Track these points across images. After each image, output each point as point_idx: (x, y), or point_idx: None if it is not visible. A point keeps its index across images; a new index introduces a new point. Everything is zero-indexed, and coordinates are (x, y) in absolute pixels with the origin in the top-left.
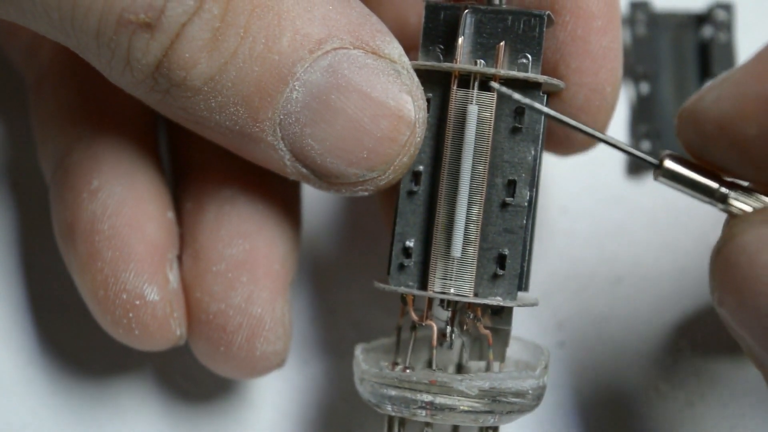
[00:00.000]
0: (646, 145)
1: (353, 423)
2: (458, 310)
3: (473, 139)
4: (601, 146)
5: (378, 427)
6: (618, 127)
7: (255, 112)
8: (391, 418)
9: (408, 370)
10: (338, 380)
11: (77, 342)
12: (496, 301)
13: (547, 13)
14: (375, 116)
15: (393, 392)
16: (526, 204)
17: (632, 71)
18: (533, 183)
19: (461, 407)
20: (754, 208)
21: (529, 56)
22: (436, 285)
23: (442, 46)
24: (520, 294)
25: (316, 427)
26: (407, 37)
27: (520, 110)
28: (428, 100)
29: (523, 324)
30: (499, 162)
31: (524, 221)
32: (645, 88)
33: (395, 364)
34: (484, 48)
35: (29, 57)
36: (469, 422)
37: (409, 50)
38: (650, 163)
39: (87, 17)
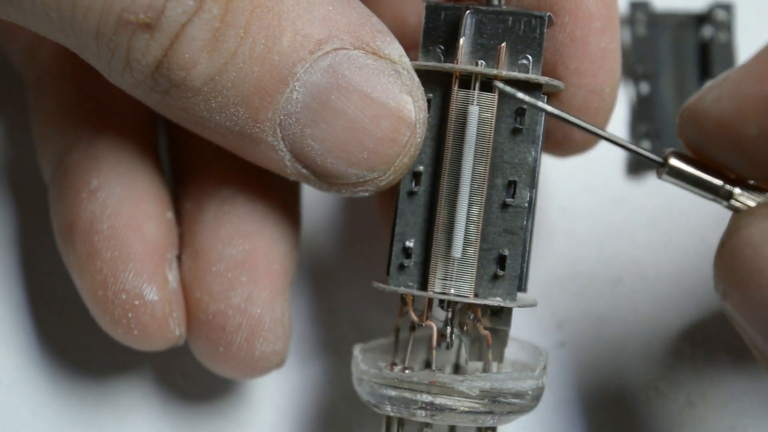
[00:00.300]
0: (646, 144)
1: (353, 423)
2: (457, 310)
3: (474, 140)
4: (601, 146)
5: (377, 427)
6: (618, 127)
7: (255, 113)
8: (389, 419)
9: (407, 371)
10: (338, 380)
11: (77, 342)
12: (496, 301)
13: (548, 14)
14: (375, 117)
15: (392, 392)
16: (526, 205)
17: (632, 71)
18: (533, 184)
19: (461, 408)
20: (758, 203)
21: (530, 57)
22: (436, 285)
23: (442, 47)
24: (519, 295)
25: (316, 427)
26: (406, 37)
27: (520, 111)
28: (429, 101)
29: (523, 324)
30: (499, 163)
31: (524, 222)
32: (645, 88)
33: (393, 364)
34: (484, 49)
35: (29, 57)
36: (468, 423)
37: (408, 50)
38: (654, 161)
39: (86, 17)
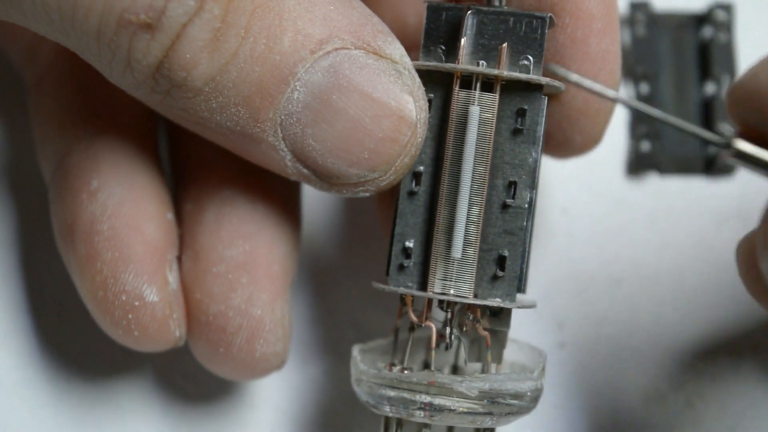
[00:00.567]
0: (645, 145)
1: (353, 423)
2: (457, 311)
3: (474, 141)
4: (601, 147)
5: (376, 428)
6: (618, 127)
7: (256, 113)
8: (388, 419)
9: (406, 371)
10: (338, 380)
11: (77, 342)
12: (496, 302)
13: (549, 15)
14: (376, 117)
15: (392, 393)
16: (526, 206)
17: (632, 71)
18: (533, 185)
19: (460, 408)
20: None
21: (531, 58)
22: (436, 286)
23: (443, 47)
24: (518, 296)
25: (316, 427)
26: (407, 37)
27: (521, 111)
28: (429, 101)
29: (523, 325)
30: (499, 163)
31: (524, 223)
32: (645, 88)
33: (392, 365)
34: (485, 49)
35: (29, 57)
36: (467, 423)
37: (409, 50)
38: (718, 144)
39: (87, 18)
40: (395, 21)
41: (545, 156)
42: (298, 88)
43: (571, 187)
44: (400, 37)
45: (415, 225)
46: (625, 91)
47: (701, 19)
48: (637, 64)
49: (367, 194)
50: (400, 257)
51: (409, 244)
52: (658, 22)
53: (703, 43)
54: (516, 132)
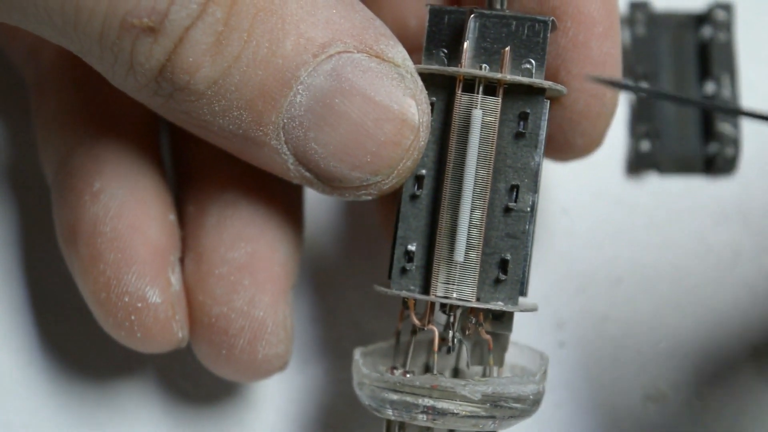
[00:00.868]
0: (645, 144)
1: (353, 423)
2: (459, 314)
3: (477, 144)
4: (601, 147)
5: (378, 429)
6: (618, 126)
7: (258, 116)
8: (390, 422)
9: (408, 375)
10: (339, 381)
11: (78, 342)
12: (499, 306)
13: (551, 18)
14: (378, 120)
15: (394, 396)
16: (528, 209)
17: (632, 71)
18: (536, 188)
19: (463, 412)
20: None
21: (533, 61)
22: (438, 289)
23: (445, 50)
24: (520, 299)
25: (317, 427)
26: (407, 39)
27: (523, 115)
28: (432, 104)
29: (522, 325)
30: (502, 167)
31: (527, 226)
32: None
33: (394, 368)
34: (487, 53)
35: (31, 58)
36: (469, 427)
37: (410, 52)
38: (726, 110)
39: (90, 21)
40: (396, 23)
41: (546, 159)
42: (300, 91)
43: (571, 186)
44: (401, 39)
45: (418, 228)
46: (625, 91)
47: (701, 19)
48: (636, 64)
49: (370, 197)
50: (402, 261)
51: (412, 247)
52: (657, 21)
53: (703, 43)
54: (518, 135)
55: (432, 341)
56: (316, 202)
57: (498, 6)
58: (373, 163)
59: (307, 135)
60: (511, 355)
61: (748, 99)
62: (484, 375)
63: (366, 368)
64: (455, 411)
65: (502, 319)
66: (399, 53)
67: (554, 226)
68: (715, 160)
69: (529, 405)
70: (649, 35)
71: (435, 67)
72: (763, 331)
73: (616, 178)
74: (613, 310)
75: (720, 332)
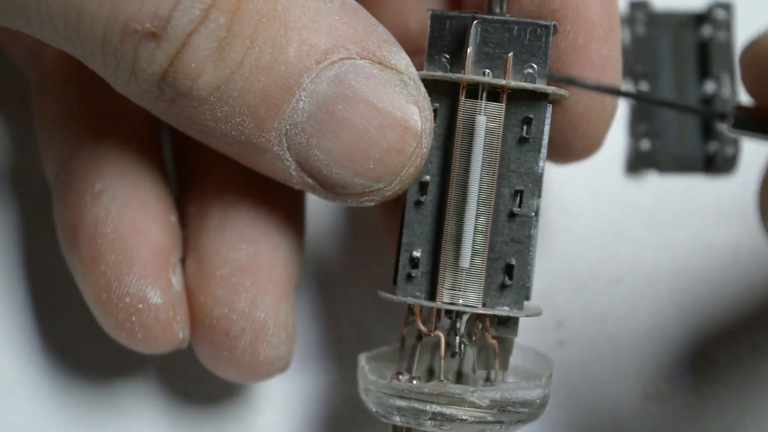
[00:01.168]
0: (645, 144)
1: (354, 423)
2: (465, 320)
3: (481, 150)
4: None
5: (379, 427)
6: (617, 126)
7: (261, 122)
8: (396, 428)
9: (414, 381)
10: (340, 381)
11: (78, 342)
12: (505, 311)
13: (553, 23)
14: (381, 127)
15: (401, 403)
16: (533, 214)
17: (632, 70)
18: (539, 193)
19: (471, 418)
20: None
21: (535, 66)
22: (444, 296)
23: (447, 56)
24: (524, 303)
25: (318, 428)
26: (408, 43)
27: (527, 120)
28: (435, 110)
29: (523, 324)
30: (506, 172)
31: (531, 231)
32: (644, 87)
33: (399, 374)
34: (490, 58)
35: (32, 59)
36: None
37: (410, 56)
38: (718, 115)
39: (92, 26)
40: (397, 28)
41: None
42: (303, 98)
43: (571, 185)
44: (402, 43)
45: (422, 235)
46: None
47: (701, 18)
48: (636, 63)
49: (372, 204)
50: (407, 267)
51: (417, 253)
52: (657, 21)
53: (703, 42)
54: (522, 140)
55: (436, 345)
56: (317, 204)
57: (498, 10)
58: (375, 170)
59: (309, 141)
60: (513, 357)
61: (747, 98)
62: (488, 379)
63: (372, 375)
64: (463, 417)
65: (508, 324)
66: (402, 60)
67: (554, 226)
68: (714, 159)
69: (535, 409)
70: (649, 34)
71: (438, 74)
72: (763, 330)
73: (616, 178)
74: (613, 309)
75: (720, 331)
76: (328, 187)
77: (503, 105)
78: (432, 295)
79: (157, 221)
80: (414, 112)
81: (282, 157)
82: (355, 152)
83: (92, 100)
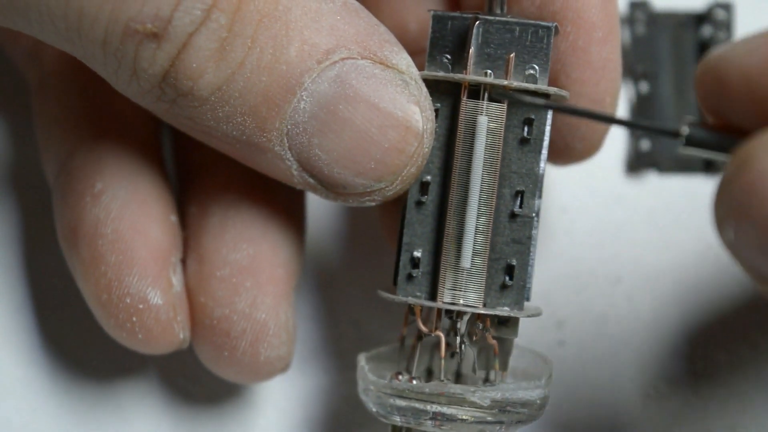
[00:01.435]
0: (645, 144)
1: (354, 423)
2: (466, 320)
3: (483, 151)
4: None
5: (378, 427)
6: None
7: (262, 122)
8: (395, 428)
9: (414, 381)
10: (340, 381)
11: (78, 342)
12: (505, 311)
13: (554, 24)
14: (383, 127)
15: (402, 403)
16: (534, 215)
17: (632, 70)
18: (540, 193)
19: (471, 418)
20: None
21: (537, 67)
22: (445, 296)
23: (449, 56)
24: (525, 304)
25: (318, 427)
26: (408, 44)
27: (528, 121)
28: (436, 111)
29: (523, 323)
30: (507, 172)
31: (532, 231)
32: (644, 87)
33: (399, 374)
34: (491, 58)
35: (32, 59)
36: None
37: (411, 57)
38: (669, 133)
39: (93, 27)
40: (397, 28)
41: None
42: (304, 98)
43: (571, 185)
44: (402, 44)
45: (423, 235)
46: (625, 90)
47: (701, 18)
48: (636, 63)
49: (373, 204)
50: (408, 267)
51: (417, 253)
52: (657, 20)
53: (703, 42)
54: (523, 141)
55: (436, 345)
56: (317, 204)
57: (498, 11)
58: (377, 170)
59: (311, 141)
60: (512, 358)
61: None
62: (487, 379)
63: (372, 375)
64: (463, 417)
65: (508, 324)
66: (403, 59)
67: (554, 225)
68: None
69: (535, 409)
70: (649, 34)
71: (440, 74)
72: (762, 330)
73: (616, 177)
74: (613, 309)
75: (720, 331)
76: (330, 187)
77: (505, 106)
78: (432, 295)
79: (157, 221)
80: (415, 112)
81: (283, 157)
82: (357, 152)
83: (92, 101)
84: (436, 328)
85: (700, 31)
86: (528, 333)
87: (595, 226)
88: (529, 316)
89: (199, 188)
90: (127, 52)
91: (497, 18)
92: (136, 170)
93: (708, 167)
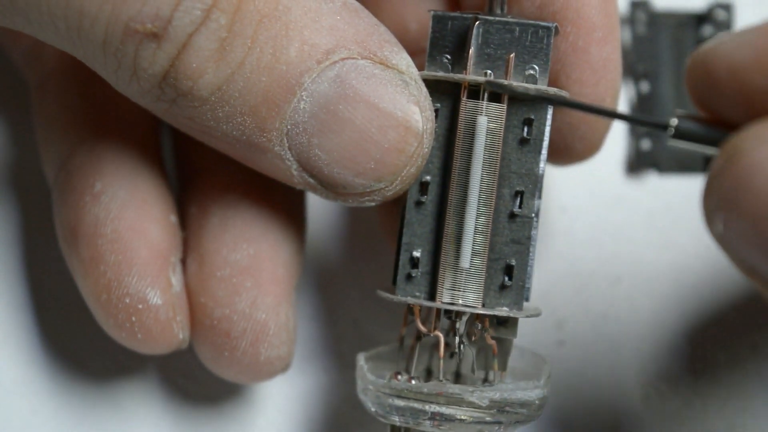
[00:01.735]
0: (646, 143)
1: (354, 423)
2: (465, 320)
3: (482, 151)
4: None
5: (378, 426)
6: (618, 126)
7: (262, 122)
8: (394, 428)
9: (413, 381)
10: (340, 381)
11: (78, 342)
12: (504, 311)
13: (555, 24)
14: (382, 127)
15: (400, 403)
16: (533, 215)
17: (632, 70)
18: (540, 194)
19: (469, 418)
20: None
21: (537, 67)
22: (444, 296)
23: (449, 56)
24: (524, 304)
25: (318, 427)
26: (408, 44)
27: (528, 121)
28: (436, 111)
29: (522, 324)
30: (506, 173)
31: (531, 232)
32: (645, 86)
33: (398, 374)
34: (491, 59)
35: (32, 59)
36: None
37: (410, 57)
38: (659, 126)
39: (93, 27)
40: (397, 27)
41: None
42: (304, 98)
43: (571, 185)
44: (402, 44)
45: (423, 235)
46: (626, 90)
47: (701, 18)
48: (637, 63)
49: (373, 204)
50: (407, 267)
51: (417, 253)
52: (658, 20)
53: (703, 42)
54: (523, 141)
55: (435, 346)
56: (317, 204)
57: (498, 11)
58: (376, 170)
59: (310, 141)
60: (511, 358)
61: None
62: (486, 379)
63: (371, 374)
64: (462, 417)
65: (507, 325)
66: (403, 60)
67: (554, 225)
68: (714, 159)
69: (534, 410)
70: (650, 34)
71: (440, 74)
72: (762, 330)
73: (616, 177)
74: (613, 308)
75: (720, 331)
76: (330, 187)
77: (504, 106)
78: (431, 295)
79: (156, 221)
80: (415, 112)
81: (283, 157)
82: (357, 152)
83: (92, 100)
84: (435, 328)
85: (700, 31)
86: (528, 333)
87: (595, 226)
88: (528, 317)
89: (199, 188)
90: (127, 52)
91: (497, 18)
92: (136, 170)
93: (708, 167)
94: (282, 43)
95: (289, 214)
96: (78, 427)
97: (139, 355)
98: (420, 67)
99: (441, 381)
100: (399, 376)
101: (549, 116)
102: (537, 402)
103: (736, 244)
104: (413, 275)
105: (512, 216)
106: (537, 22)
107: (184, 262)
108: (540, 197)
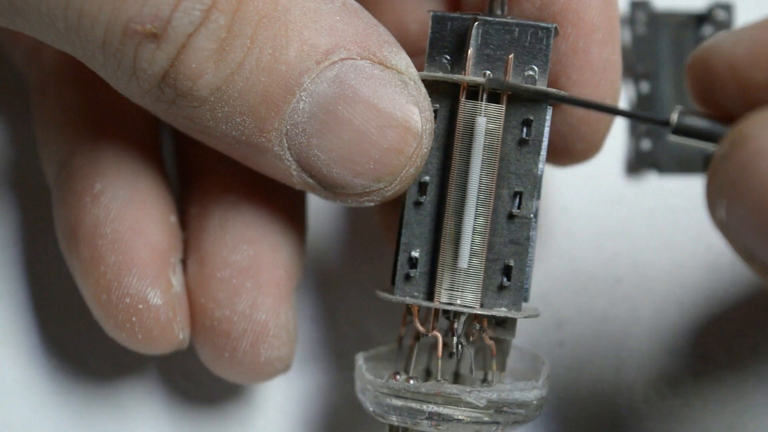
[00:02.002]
0: (646, 144)
1: (354, 423)
2: (463, 320)
3: (481, 151)
4: None
5: (377, 426)
6: (618, 126)
7: (262, 123)
8: (392, 428)
9: (411, 381)
10: (340, 381)
11: (78, 342)
12: (503, 312)
13: (554, 25)
14: (382, 127)
15: (398, 403)
16: (532, 216)
17: (632, 70)
18: (538, 195)
19: (467, 418)
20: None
21: (536, 68)
22: (442, 296)
23: (448, 57)
24: (523, 305)
25: (318, 427)
26: (408, 44)
27: (527, 122)
28: (435, 111)
29: (523, 324)
30: (505, 173)
31: (530, 232)
32: (645, 86)
33: (396, 373)
34: (490, 59)
35: (32, 59)
36: None
37: (410, 58)
38: (660, 122)
39: (93, 27)
40: (396, 28)
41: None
42: (303, 98)
43: (571, 185)
44: (401, 44)
45: (421, 235)
46: (626, 90)
47: (701, 19)
48: (637, 63)
49: (372, 204)
50: (406, 267)
51: (415, 254)
52: (658, 21)
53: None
54: (522, 142)
55: (433, 346)
56: (318, 204)
57: (499, 12)
58: (375, 170)
59: (310, 142)
60: (510, 358)
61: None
62: (485, 379)
63: (369, 374)
64: (460, 417)
65: (505, 325)
66: (402, 60)
67: (554, 226)
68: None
69: (532, 410)
70: (650, 34)
71: (439, 75)
72: (762, 331)
73: (617, 177)
74: (613, 309)
75: (720, 331)
76: (329, 188)
77: (503, 106)
78: (430, 296)
79: (156, 222)
80: (414, 113)
81: (282, 157)
82: (356, 152)
83: (92, 100)
84: (433, 329)
85: (700, 31)
86: (528, 333)
87: (595, 226)
88: (526, 317)
89: (200, 189)
90: (126, 53)
91: (496, 19)
92: (136, 171)
93: (708, 167)
94: (281, 43)
95: (289, 215)
96: (78, 427)
97: (140, 355)
98: (419, 68)
99: (439, 381)
100: (397, 376)
101: (548, 117)
102: (535, 403)
103: (738, 230)
104: (412, 275)
105: (511, 217)
106: (536, 23)
107: (184, 262)
108: (539, 198)
